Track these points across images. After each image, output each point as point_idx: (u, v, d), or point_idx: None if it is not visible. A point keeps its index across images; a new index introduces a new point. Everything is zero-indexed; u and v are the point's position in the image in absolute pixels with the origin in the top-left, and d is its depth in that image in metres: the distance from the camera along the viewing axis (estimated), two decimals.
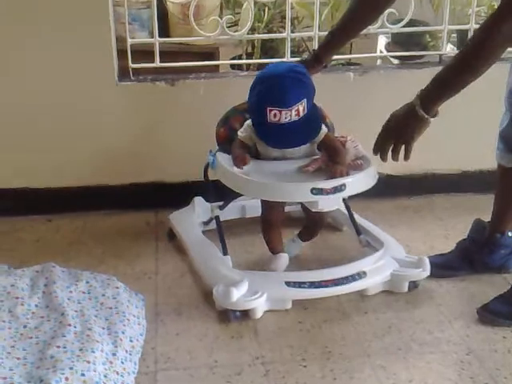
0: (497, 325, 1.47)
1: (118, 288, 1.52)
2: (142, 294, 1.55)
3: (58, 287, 1.49)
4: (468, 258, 1.67)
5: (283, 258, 1.65)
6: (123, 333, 1.38)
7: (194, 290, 1.60)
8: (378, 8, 1.64)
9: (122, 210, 1.98)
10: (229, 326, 1.46)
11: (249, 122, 1.61)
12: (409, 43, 2.28)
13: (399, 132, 1.35)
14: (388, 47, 2.44)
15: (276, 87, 1.50)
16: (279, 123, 1.49)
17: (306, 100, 1.50)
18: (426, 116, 1.32)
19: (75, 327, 1.37)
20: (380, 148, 1.37)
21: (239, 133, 1.61)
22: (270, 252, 1.66)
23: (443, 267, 1.64)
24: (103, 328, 1.38)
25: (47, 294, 1.49)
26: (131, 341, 1.38)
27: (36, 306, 1.45)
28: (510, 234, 1.65)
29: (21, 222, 1.93)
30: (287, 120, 1.49)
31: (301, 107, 1.49)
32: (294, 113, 1.49)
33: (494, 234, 1.64)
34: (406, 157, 1.36)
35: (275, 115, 1.48)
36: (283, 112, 1.48)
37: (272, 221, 1.65)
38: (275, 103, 1.48)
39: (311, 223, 1.74)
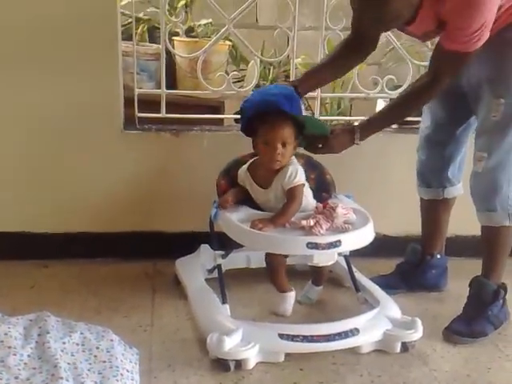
0: (460, 343, 1.64)
1: (112, 341, 1.50)
2: (137, 347, 1.53)
3: (51, 337, 1.47)
4: (405, 278, 1.89)
5: (289, 297, 1.68)
6: None
7: (189, 344, 1.59)
8: (361, 53, 1.71)
9: (121, 259, 1.98)
10: None
11: (244, 166, 1.66)
12: None
13: (336, 148, 1.64)
14: None
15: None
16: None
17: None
18: (359, 143, 1.61)
19: (67, 380, 1.34)
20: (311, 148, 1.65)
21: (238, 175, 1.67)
22: (277, 291, 1.69)
23: (384, 286, 1.78)
24: (96, 382, 1.36)
25: (40, 344, 1.46)
26: None
27: (28, 356, 1.42)
28: (438, 256, 1.90)
29: (17, 266, 1.91)
30: None
31: None
32: None
33: (425, 256, 1.89)
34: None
35: None
36: None
37: (274, 262, 1.68)
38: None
39: (314, 271, 1.79)
